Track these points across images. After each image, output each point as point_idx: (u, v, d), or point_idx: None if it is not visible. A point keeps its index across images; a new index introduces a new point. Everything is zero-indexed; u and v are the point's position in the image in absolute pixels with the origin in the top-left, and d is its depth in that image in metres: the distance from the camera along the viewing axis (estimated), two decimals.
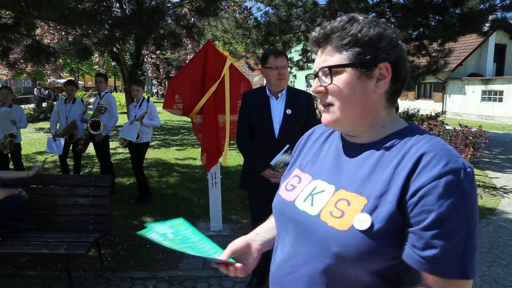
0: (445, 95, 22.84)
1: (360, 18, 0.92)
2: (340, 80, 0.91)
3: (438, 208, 0.78)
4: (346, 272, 0.86)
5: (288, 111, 2.71)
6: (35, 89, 24.92)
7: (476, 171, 7.73)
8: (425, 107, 20.97)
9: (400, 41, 0.93)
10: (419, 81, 11.65)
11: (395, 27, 0.94)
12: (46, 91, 24.54)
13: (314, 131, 1.17)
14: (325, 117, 0.96)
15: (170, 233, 1.13)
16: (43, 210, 3.59)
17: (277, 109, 2.76)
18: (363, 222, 0.83)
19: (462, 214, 0.78)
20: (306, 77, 2.72)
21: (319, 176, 1.00)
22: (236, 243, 1.14)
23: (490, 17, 9.91)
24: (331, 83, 0.92)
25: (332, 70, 0.91)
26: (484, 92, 20.61)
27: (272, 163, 2.58)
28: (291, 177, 1.08)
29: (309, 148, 1.12)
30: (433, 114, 11.30)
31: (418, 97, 24.58)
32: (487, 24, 10.00)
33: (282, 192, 1.07)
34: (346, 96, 0.91)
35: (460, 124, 7.19)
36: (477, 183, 6.82)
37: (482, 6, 9.04)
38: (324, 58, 0.94)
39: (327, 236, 0.87)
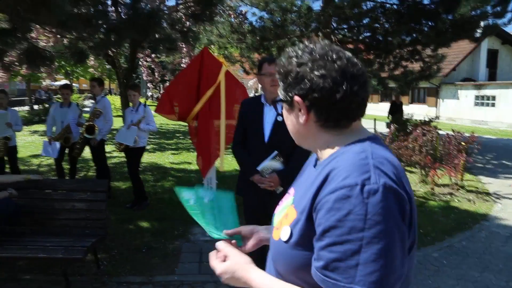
0: (438, 99, 23.06)
1: (291, 52, 0.99)
2: (283, 111, 1.06)
3: (325, 221, 0.80)
4: (287, 280, 0.93)
5: (279, 118, 2.75)
6: (36, 91, 25.55)
7: (469, 176, 7.82)
8: (419, 111, 21.12)
9: (315, 73, 0.91)
10: (413, 86, 11.78)
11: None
12: (46, 94, 24.88)
13: None
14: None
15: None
16: (39, 214, 3.59)
17: (270, 116, 2.80)
18: (285, 233, 0.92)
19: (349, 229, 0.77)
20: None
21: (295, 192, 1.07)
22: (245, 227, 1.26)
23: (482, 23, 10.06)
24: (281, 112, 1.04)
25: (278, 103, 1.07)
26: (477, 97, 20.83)
27: (259, 168, 2.64)
28: (286, 194, 1.15)
29: (308, 166, 1.18)
30: (426, 119, 11.40)
31: (412, 101, 24.78)
32: (479, 30, 10.14)
33: (276, 207, 1.15)
34: (288, 126, 1.05)
35: (452, 130, 7.28)
36: (470, 188, 6.91)
37: (474, 12, 9.18)
38: (280, 90, 1.03)
39: (271, 245, 1.03)
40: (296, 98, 0.93)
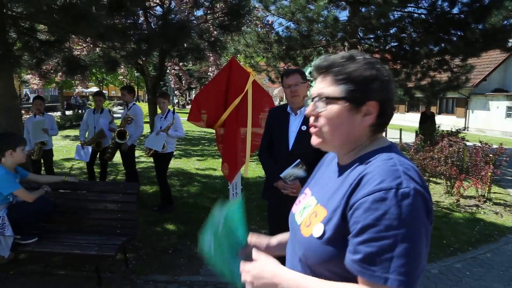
0: (468, 110, 22.53)
1: (358, 57, 1.06)
2: (333, 109, 1.05)
3: (363, 220, 0.91)
4: (313, 273, 1.03)
5: (303, 128, 2.87)
6: (72, 97, 27.46)
7: (497, 189, 7.65)
8: (447, 122, 20.70)
9: (392, 84, 1.06)
10: (439, 96, 11.58)
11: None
12: (81, 100, 26.61)
13: (330, 154, 1.32)
14: (314, 139, 1.11)
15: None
16: (74, 214, 3.82)
17: (295, 125, 2.92)
18: (318, 230, 1.01)
19: (386, 227, 0.88)
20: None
21: (314, 192, 1.18)
22: (259, 239, 1.37)
23: None
24: (325, 110, 1.06)
25: (328, 100, 1.05)
26: (509, 108, 20.24)
27: (282, 175, 2.75)
28: (302, 194, 1.27)
29: (321, 169, 1.30)
30: (454, 129, 11.21)
31: (440, 112, 24.30)
32: (511, 40, 9.93)
33: (293, 206, 1.27)
34: (335, 124, 1.05)
35: (480, 141, 7.16)
36: (497, 201, 6.77)
37: (505, 22, 9.02)
38: (323, 86, 1.08)
39: (299, 242, 1.08)
40: (373, 103, 1.03)
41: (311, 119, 1.11)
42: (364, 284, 0.92)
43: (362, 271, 0.91)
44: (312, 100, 1.11)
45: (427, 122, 12.07)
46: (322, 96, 1.07)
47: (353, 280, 0.95)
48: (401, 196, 0.89)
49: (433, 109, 24.28)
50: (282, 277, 1.04)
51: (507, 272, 4.03)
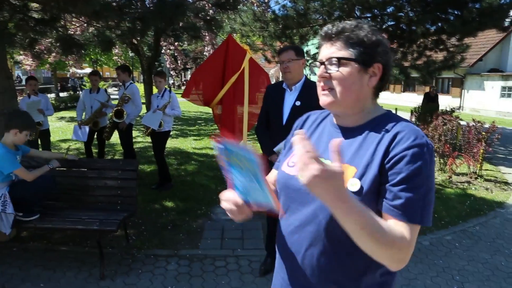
0: (463, 90, 22.59)
1: (365, 26, 1.16)
2: (345, 70, 1.13)
3: (405, 170, 1.03)
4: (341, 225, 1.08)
5: (298, 103, 2.95)
6: (70, 79, 27.39)
7: (488, 166, 7.81)
8: (443, 102, 20.73)
9: (390, 51, 1.18)
10: (436, 76, 11.62)
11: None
12: (80, 81, 26.86)
13: (309, 117, 1.41)
14: (325, 99, 1.17)
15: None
16: (76, 191, 3.89)
17: (289, 100, 3.00)
18: (354, 185, 1.07)
19: (423, 176, 1.03)
20: (310, 65, 2.96)
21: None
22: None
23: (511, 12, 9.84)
24: (337, 71, 1.14)
25: (341, 61, 1.14)
26: (503, 88, 20.32)
27: (275, 149, 2.83)
28: (292, 155, 1.28)
29: (305, 130, 1.35)
30: (448, 109, 11.29)
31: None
32: (507, 19, 9.92)
33: (285, 168, 1.28)
34: (347, 84, 1.14)
35: (473, 119, 7.26)
36: (488, 178, 6.93)
37: (502, 1, 9.00)
38: (334, 50, 1.15)
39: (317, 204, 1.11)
40: (379, 65, 1.15)
41: (321, 82, 1.18)
42: (401, 225, 1.03)
43: (403, 214, 1.03)
44: (322, 65, 1.17)
45: (429, 103, 12.03)
46: (333, 58, 1.14)
47: None
48: (430, 151, 1.06)
49: (428, 89, 24.43)
50: (348, 196, 0.93)
51: (493, 243, 4.18)
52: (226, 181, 1.16)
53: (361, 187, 1.07)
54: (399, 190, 1.03)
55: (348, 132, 1.20)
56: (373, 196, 1.07)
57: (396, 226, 1.02)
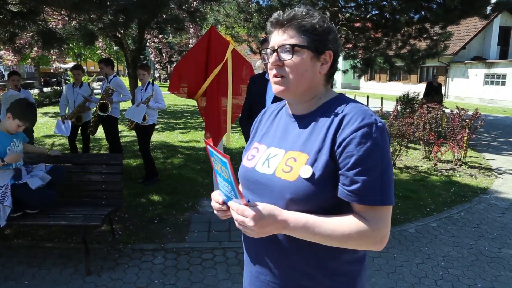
0: (447, 78, 22.85)
1: (314, 13, 1.14)
2: (298, 58, 1.12)
3: (357, 152, 1.03)
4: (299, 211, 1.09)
5: None
6: (58, 76, 27.28)
7: (472, 153, 7.94)
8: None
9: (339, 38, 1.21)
10: (420, 65, 11.70)
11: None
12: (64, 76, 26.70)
13: (267, 111, 1.40)
14: (278, 87, 1.16)
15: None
16: (59, 186, 3.82)
17: (271, 91, 2.98)
18: (306, 172, 1.06)
19: (376, 156, 1.03)
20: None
21: (272, 144, 1.23)
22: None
23: (494, 0, 9.94)
24: (291, 59, 1.12)
25: (294, 48, 1.12)
26: (487, 75, 20.61)
27: None
28: (251, 149, 1.30)
29: (263, 124, 1.35)
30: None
31: (420, 80, 24.59)
32: (489, 7, 10.01)
33: (244, 162, 1.28)
34: (300, 71, 1.13)
35: (457, 107, 7.35)
36: (473, 164, 7.04)
37: None
38: (286, 37, 1.13)
39: (282, 188, 1.10)
40: (330, 52, 1.15)
41: (273, 70, 1.17)
42: (362, 209, 1.04)
43: (361, 198, 1.03)
44: (274, 52, 1.15)
45: (431, 93, 11.71)
46: (286, 46, 1.12)
47: (335, 211, 1.07)
48: (380, 129, 1.05)
49: (414, 77, 24.67)
50: (287, 215, 1.05)
51: (478, 228, 4.26)
52: (212, 174, 1.21)
53: (313, 173, 1.06)
54: (354, 174, 1.03)
55: (301, 120, 1.20)
56: (327, 182, 1.07)
57: (350, 217, 1.05)
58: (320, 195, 1.06)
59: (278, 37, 1.15)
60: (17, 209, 3.30)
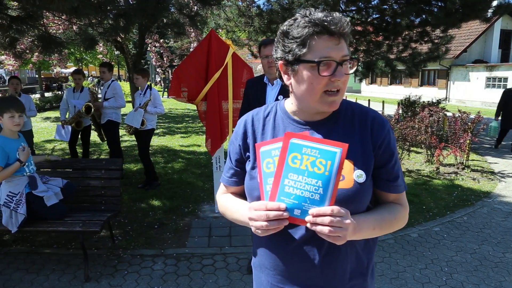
0: (449, 82, 22.81)
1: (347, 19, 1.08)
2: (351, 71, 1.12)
3: (393, 149, 1.16)
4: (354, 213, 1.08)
5: (280, 97, 2.89)
6: (59, 82, 27.18)
7: (475, 156, 7.89)
8: (429, 94, 20.97)
9: None
10: (421, 68, 11.67)
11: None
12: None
13: (253, 121, 1.26)
14: (337, 103, 1.10)
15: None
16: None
17: (271, 95, 2.94)
18: (361, 176, 1.09)
19: (396, 148, 1.18)
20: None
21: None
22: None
23: (495, 3, 9.91)
24: (350, 72, 1.09)
25: (353, 62, 1.09)
26: (488, 78, 20.57)
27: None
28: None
29: (267, 136, 1.21)
30: (434, 100, 11.38)
31: (421, 84, 24.57)
32: (490, 11, 9.99)
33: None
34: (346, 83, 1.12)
35: (459, 110, 7.31)
36: (475, 168, 6.99)
37: None
38: (346, 49, 1.04)
39: (341, 197, 1.05)
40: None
41: (334, 83, 1.06)
42: (396, 197, 1.19)
43: (400, 189, 1.18)
44: (339, 65, 1.05)
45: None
46: (348, 59, 1.07)
47: (371, 204, 1.18)
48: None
49: (415, 81, 24.64)
50: (357, 218, 1.05)
51: (481, 233, 4.20)
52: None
53: (366, 177, 1.11)
54: (395, 169, 1.16)
55: (318, 127, 1.15)
56: (371, 181, 1.14)
57: (392, 205, 1.19)
58: (370, 194, 1.14)
59: (340, 49, 1.04)
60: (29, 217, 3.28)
